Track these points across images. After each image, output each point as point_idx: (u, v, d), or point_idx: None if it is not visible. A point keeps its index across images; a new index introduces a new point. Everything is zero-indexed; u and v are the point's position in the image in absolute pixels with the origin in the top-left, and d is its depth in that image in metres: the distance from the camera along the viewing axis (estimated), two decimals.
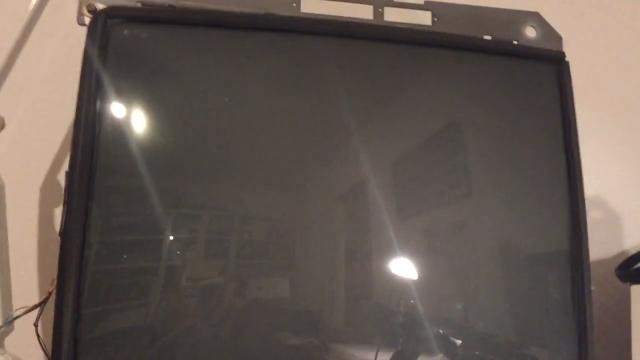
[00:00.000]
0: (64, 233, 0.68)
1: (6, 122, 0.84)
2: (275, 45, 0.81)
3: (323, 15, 0.85)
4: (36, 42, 0.84)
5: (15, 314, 0.74)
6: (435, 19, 0.88)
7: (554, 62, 0.87)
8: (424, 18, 0.88)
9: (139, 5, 0.80)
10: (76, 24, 0.77)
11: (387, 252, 0.75)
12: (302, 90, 0.82)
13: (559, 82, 0.86)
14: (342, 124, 0.79)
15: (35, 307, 0.72)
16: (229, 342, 0.71)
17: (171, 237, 0.71)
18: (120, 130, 0.73)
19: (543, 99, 0.86)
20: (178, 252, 0.71)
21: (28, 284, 0.88)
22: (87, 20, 0.76)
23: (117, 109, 0.74)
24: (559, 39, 0.89)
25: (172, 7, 0.81)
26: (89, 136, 0.70)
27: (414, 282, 0.74)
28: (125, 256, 0.70)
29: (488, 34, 0.88)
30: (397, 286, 0.74)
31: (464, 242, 0.78)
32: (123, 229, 0.72)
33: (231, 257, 0.72)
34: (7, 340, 0.78)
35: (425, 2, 0.88)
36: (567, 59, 0.87)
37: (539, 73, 0.87)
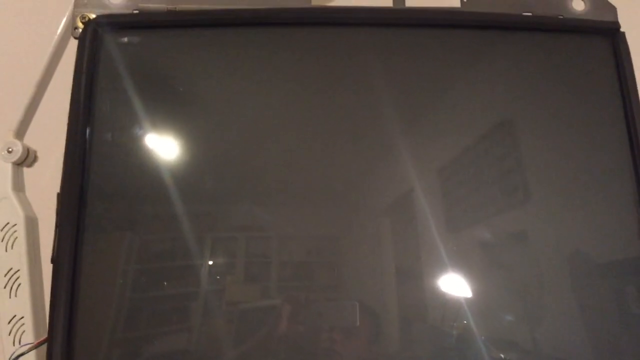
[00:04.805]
0: (56, 259, 0.64)
1: (38, 155, 0.81)
2: (298, 41, 0.74)
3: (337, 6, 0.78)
4: (63, 70, 0.81)
5: (19, 351, 0.70)
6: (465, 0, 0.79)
7: (609, 35, 0.77)
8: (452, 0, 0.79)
9: (137, 12, 0.74)
10: None
11: (439, 268, 0.67)
12: (332, 91, 0.74)
13: (616, 57, 0.76)
14: (381, 129, 0.72)
15: (41, 342, 0.69)
16: None
17: (209, 262, 0.67)
18: (122, 150, 0.69)
19: (599, 79, 0.76)
20: (217, 277, 0.67)
21: None
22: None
23: (114, 128, 0.69)
24: (612, 9, 0.80)
25: (171, 11, 0.74)
26: (80, 161, 0.67)
27: (470, 300, 0.67)
28: (165, 283, 0.67)
29: (528, 11, 0.79)
30: (451, 306, 0.67)
31: (525, 253, 0.70)
32: (158, 255, 0.68)
33: (272, 280, 0.67)
34: None
35: None
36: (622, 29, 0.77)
37: (591, 49, 0.77)
